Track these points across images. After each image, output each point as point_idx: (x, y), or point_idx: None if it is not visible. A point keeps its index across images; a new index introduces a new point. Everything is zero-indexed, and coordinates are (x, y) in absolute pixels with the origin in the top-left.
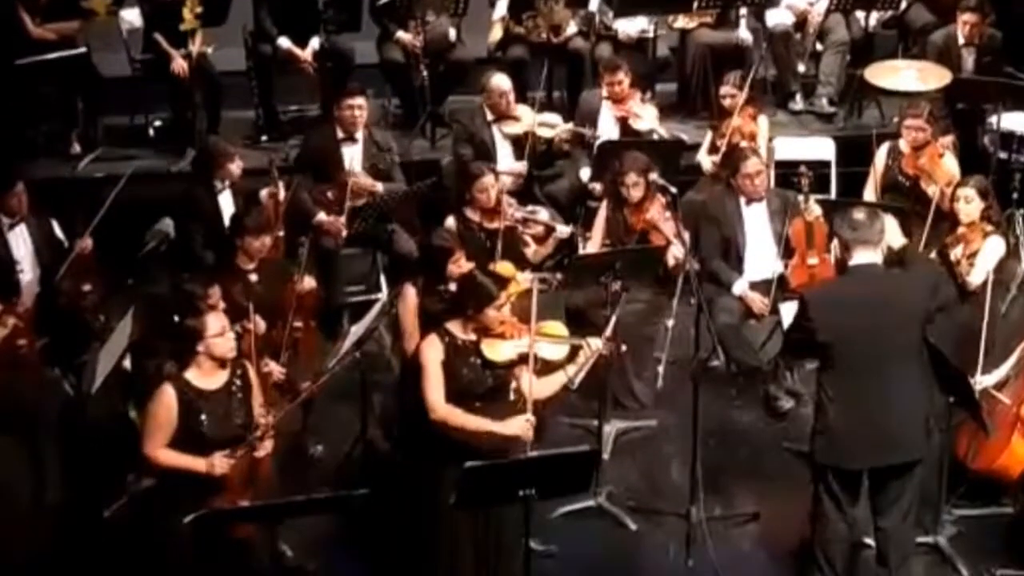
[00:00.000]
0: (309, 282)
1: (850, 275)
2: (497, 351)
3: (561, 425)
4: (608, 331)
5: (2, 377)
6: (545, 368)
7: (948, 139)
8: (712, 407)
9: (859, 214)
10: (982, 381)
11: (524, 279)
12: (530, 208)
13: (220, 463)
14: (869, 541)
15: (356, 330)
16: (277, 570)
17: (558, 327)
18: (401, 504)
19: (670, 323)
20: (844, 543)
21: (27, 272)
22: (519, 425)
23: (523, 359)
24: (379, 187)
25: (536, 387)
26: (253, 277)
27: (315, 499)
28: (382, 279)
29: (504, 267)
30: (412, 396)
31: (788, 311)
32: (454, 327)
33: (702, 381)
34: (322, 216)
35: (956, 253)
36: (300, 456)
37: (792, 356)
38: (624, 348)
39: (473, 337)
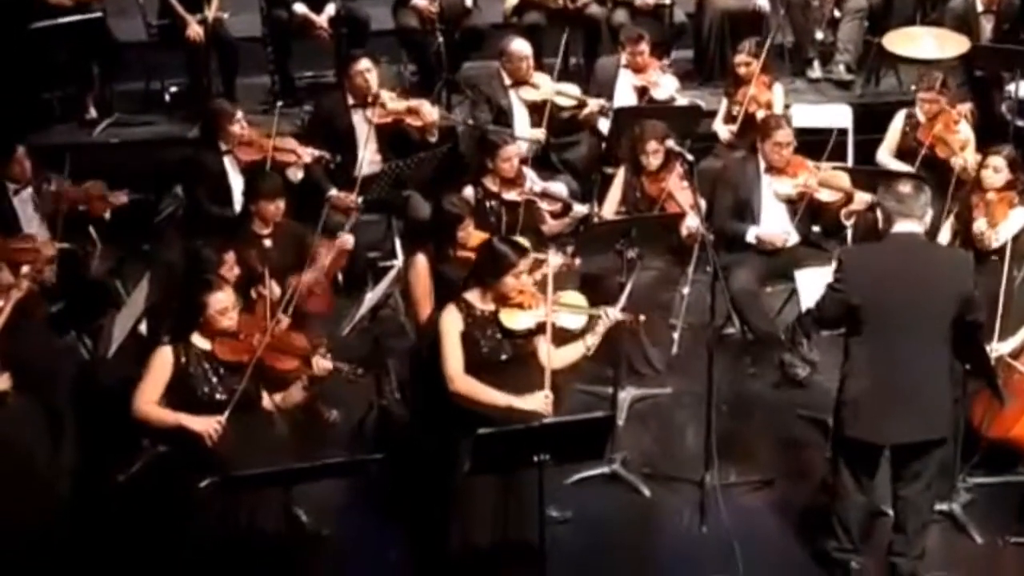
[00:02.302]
0: (349, 239)
1: (890, 241)
2: (515, 320)
3: (575, 392)
4: (623, 299)
5: (12, 340)
6: (563, 337)
7: (966, 107)
8: (727, 374)
9: (905, 187)
10: (998, 349)
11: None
12: (548, 183)
13: (215, 426)
14: (886, 509)
15: (371, 297)
16: (291, 535)
17: (576, 297)
18: (416, 469)
19: (686, 290)
20: (861, 512)
21: (39, 236)
22: (538, 401)
23: (541, 328)
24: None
25: (555, 357)
26: (268, 242)
27: (330, 463)
28: (397, 245)
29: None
30: (427, 363)
31: (803, 279)
32: (472, 297)
33: (717, 348)
34: (334, 191)
35: (980, 225)
36: (316, 421)
37: (822, 324)
38: (643, 318)
39: (491, 307)
